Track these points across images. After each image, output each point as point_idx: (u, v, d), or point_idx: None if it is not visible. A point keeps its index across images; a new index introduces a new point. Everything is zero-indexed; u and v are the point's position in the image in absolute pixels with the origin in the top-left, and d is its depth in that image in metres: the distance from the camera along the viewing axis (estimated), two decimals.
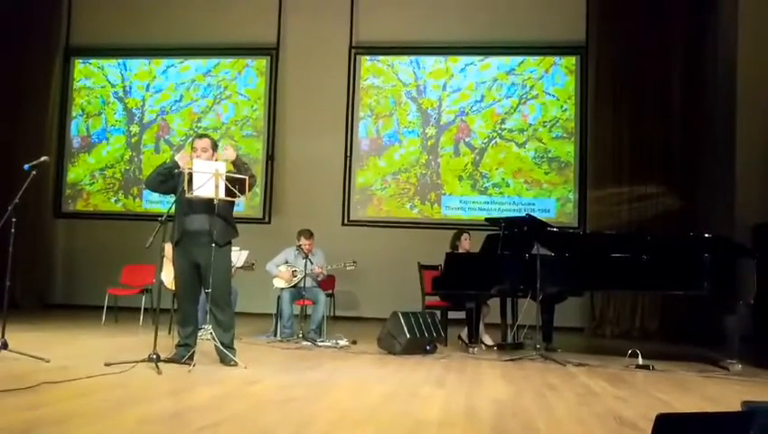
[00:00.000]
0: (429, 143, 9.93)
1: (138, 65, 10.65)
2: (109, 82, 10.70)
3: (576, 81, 9.69)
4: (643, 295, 8.34)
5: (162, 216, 4.62)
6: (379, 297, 9.07)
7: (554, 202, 9.57)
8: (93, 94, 10.74)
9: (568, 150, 9.61)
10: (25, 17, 10.15)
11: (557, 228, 6.65)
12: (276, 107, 10.25)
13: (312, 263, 6.64)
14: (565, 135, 9.65)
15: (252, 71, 10.41)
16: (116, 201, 10.45)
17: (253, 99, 10.37)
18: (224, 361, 4.72)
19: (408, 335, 5.64)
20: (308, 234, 6.80)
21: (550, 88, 9.77)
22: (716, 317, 5.96)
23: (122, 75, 10.68)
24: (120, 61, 10.68)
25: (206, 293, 4.76)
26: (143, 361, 4.39)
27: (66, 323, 7.71)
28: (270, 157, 10.15)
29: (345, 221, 9.89)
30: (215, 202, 4.61)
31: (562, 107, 9.71)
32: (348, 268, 6.87)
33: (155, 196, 9.43)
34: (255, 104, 10.36)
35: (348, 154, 9.99)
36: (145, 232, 4.62)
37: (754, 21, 8.80)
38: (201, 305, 5.38)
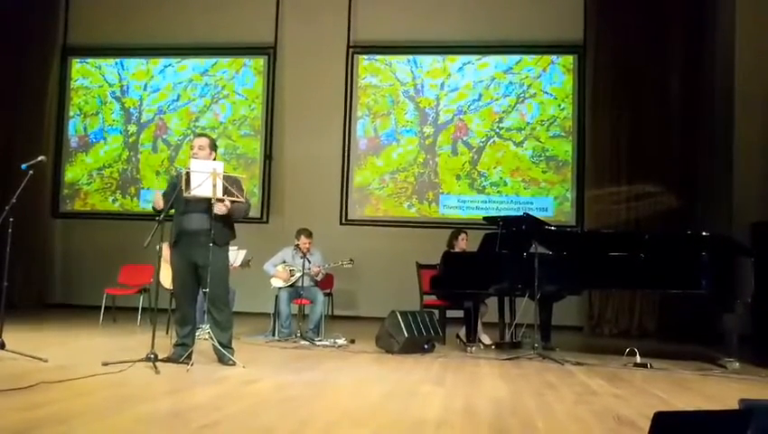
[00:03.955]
0: (427, 142, 9.93)
1: (136, 64, 10.63)
2: (107, 82, 10.68)
3: (574, 80, 9.69)
4: (641, 293, 8.35)
5: (159, 215, 4.62)
6: (378, 296, 9.07)
7: (552, 201, 9.58)
8: (90, 94, 10.72)
9: (566, 149, 9.61)
10: (23, 17, 10.12)
11: (554, 227, 6.65)
12: (274, 106, 10.24)
13: (309, 262, 6.64)
14: (562, 133, 9.65)
15: (250, 71, 10.40)
16: (113, 200, 10.43)
17: (251, 99, 10.36)
18: (222, 360, 4.72)
19: (407, 334, 5.64)
20: (307, 233, 6.80)
21: (548, 87, 9.77)
22: (715, 316, 5.96)
23: (119, 74, 10.66)
24: (117, 60, 10.66)
25: (204, 293, 4.76)
26: (141, 360, 4.38)
27: (64, 323, 7.70)
28: (268, 157, 10.14)
29: (343, 221, 9.88)
30: (213, 201, 4.60)
31: (560, 106, 9.71)
32: (345, 267, 6.87)
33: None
34: (252, 103, 10.35)
35: (346, 153, 9.98)
36: (143, 232, 4.61)
37: (752, 19, 8.81)
38: (199, 304, 5.37)
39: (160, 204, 4.69)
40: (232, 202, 4.70)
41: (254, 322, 7.66)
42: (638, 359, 5.43)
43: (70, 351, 5.39)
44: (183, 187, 4.58)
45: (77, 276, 10.12)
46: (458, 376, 4.70)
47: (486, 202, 9.67)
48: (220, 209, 4.63)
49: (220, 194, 4.61)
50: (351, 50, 10.13)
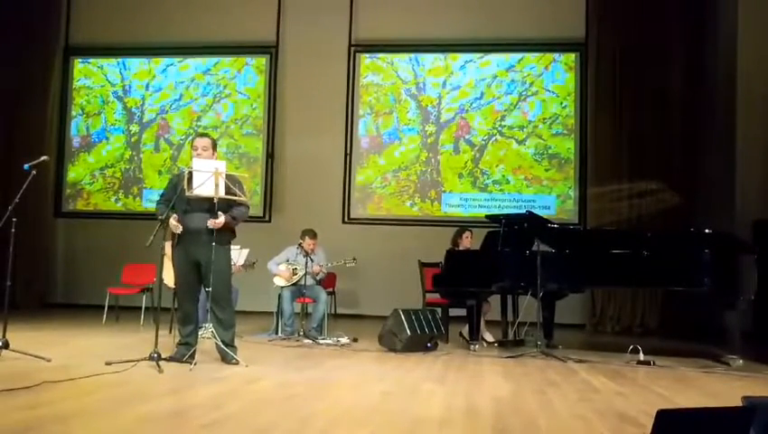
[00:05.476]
0: (429, 140, 9.93)
1: (138, 64, 10.64)
2: (109, 82, 10.69)
3: (576, 78, 9.68)
4: (644, 291, 8.34)
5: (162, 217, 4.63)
6: (380, 294, 9.08)
7: (554, 199, 9.57)
8: (93, 93, 10.73)
9: (568, 147, 9.60)
10: (25, 17, 10.13)
11: (557, 224, 6.64)
12: (276, 105, 10.24)
13: (312, 261, 6.65)
14: (565, 131, 9.64)
15: (252, 70, 10.40)
16: (116, 200, 10.45)
17: (253, 98, 10.36)
18: (225, 359, 4.73)
19: (409, 333, 5.65)
20: (312, 235, 6.80)
21: (550, 84, 9.76)
22: (717, 313, 5.95)
23: (121, 74, 10.67)
24: (119, 60, 10.67)
25: (206, 291, 4.76)
26: (144, 359, 4.39)
27: (67, 322, 7.72)
28: (270, 156, 10.14)
29: (345, 219, 9.89)
30: (215, 200, 4.61)
31: (562, 103, 9.70)
32: (348, 265, 6.89)
33: (156, 195, 9.42)
34: (254, 102, 10.35)
35: (348, 152, 9.99)
36: (146, 231, 4.62)
37: (754, 17, 8.77)
38: (202, 303, 5.38)
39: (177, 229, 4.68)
40: (231, 201, 4.71)
41: (257, 320, 7.68)
42: (641, 356, 5.42)
43: (74, 350, 5.40)
44: (186, 186, 4.58)
45: (80, 275, 10.13)
46: (461, 374, 4.70)
47: (488, 200, 9.66)
48: (214, 224, 4.63)
49: (222, 194, 4.62)
50: (352, 48, 10.13)
